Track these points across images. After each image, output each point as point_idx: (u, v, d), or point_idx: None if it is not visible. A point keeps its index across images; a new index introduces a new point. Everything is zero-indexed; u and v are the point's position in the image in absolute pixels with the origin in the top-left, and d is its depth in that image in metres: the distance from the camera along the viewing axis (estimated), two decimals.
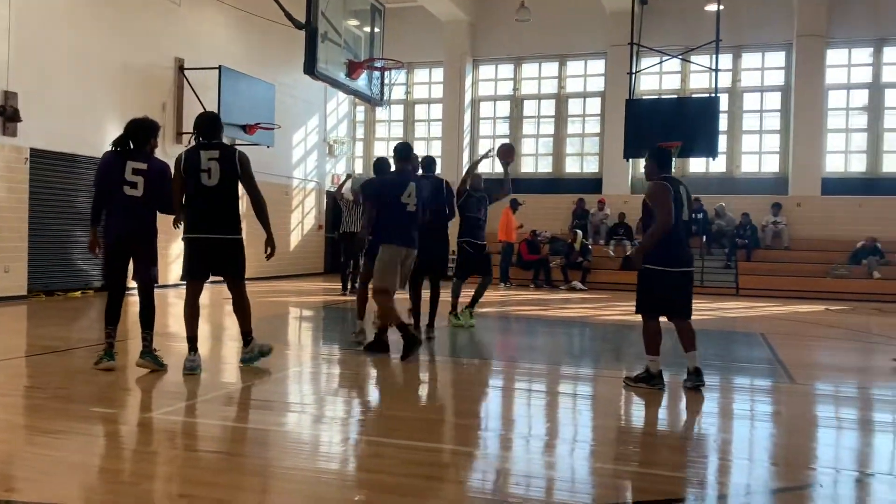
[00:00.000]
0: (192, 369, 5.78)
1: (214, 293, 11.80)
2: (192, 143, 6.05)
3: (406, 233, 6.78)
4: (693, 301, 5.78)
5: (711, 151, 14.10)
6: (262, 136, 14.61)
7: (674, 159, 14.65)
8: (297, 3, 10.88)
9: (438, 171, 9.77)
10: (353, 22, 12.76)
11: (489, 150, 9.37)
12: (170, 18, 13.92)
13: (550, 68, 19.86)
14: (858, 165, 17.69)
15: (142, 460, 3.94)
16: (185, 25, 14.29)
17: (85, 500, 3.35)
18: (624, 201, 18.58)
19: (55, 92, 11.60)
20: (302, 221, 18.65)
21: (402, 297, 7.64)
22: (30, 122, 10.98)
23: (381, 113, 20.78)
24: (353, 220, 12.78)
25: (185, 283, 6.03)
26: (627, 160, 16.98)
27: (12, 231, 10.94)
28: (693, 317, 5.76)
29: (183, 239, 5.92)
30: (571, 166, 19.89)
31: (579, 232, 17.44)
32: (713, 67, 14.24)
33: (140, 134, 5.89)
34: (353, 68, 12.20)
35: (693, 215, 7.09)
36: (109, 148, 5.90)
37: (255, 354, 6.11)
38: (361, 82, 12.69)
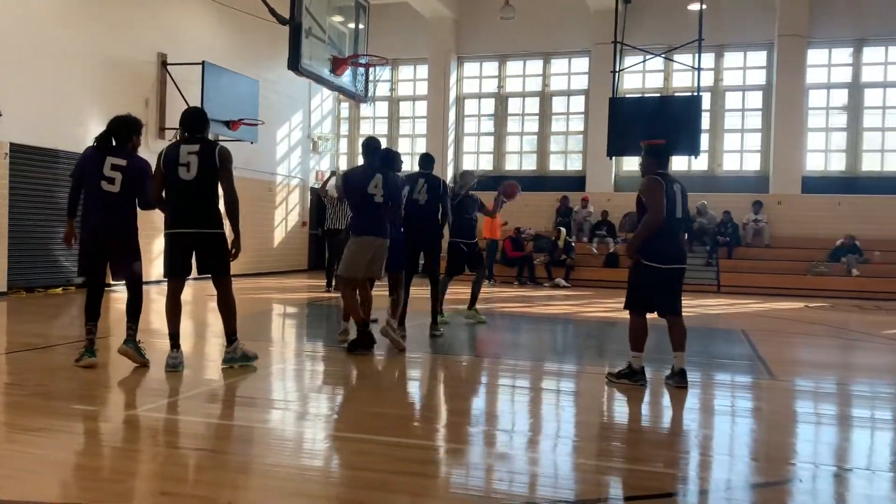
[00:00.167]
0: (174, 366, 5.75)
1: (198, 290, 11.75)
2: (177, 137, 6.02)
3: (373, 223, 6.80)
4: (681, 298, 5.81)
5: (694, 150, 14.17)
6: (245, 132, 14.54)
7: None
8: None
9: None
10: (338, 18, 12.71)
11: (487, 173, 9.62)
12: (152, 13, 13.81)
13: (535, 66, 19.91)
14: (838, 164, 17.89)
15: (124, 458, 3.92)
16: (167, 20, 14.19)
17: (66, 497, 3.33)
18: (607, 199, 18.68)
19: (35, 86, 11.48)
20: (286, 218, 18.58)
21: (379, 294, 7.65)
22: (9, 116, 10.87)
23: (365, 109, 20.74)
24: (337, 216, 12.76)
25: (166, 279, 5.99)
26: (611, 158, 17.05)
27: None
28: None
29: (164, 235, 5.89)
30: (555, 164, 19.96)
31: (563, 229, 17.51)
32: (696, 66, 14.32)
33: (123, 131, 5.89)
34: (337, 64, 12.16)
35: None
36: (92, 143, 5.90)
37: (237, 356, 5.95)
38: (346, 78, 12.65)
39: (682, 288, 5.82)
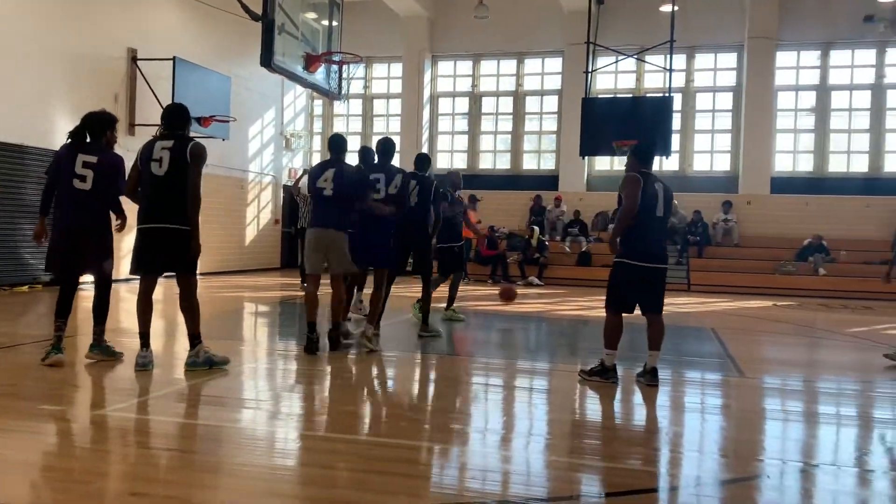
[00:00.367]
0: (143, 365, 5.68)
1: (169, 288, 11.62)
2: (157, 133, 5.97)
3: (320, 215, 6.82)
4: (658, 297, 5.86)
5: (665, 150, 14.33)
6: (217, 128, 14.40)
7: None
8: None
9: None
10: (311, 15, 12.65)
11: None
12: (122, 7, 13.61)
13: (508, 66, 19.97)
14: (806, 165, 18.19)
15: (93, 458, 3.86)
16: (137, 15, 14.00)
17: (34, 499, 3.28)
18: (580, 198, 18.81)
19: (2, 81, 11.26)
20: (258, 216, 18.43)
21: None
22: None
23: (339, 107, 20.64)
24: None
25: (138, 277, 5.91)
26: (583, 158, 17.17)
27: None
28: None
29: (136, 231, 5.82)
30: (529, 163, 20.04)
31: (536, 228, 17.60)
32: (667, 67, 14.48)
33: (96, 126, 5.86)
34: (310, 61, 12.10)
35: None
36: (66, 140, 5.84)
37: (201, 361, 5.77)
38: (319, 76, 12.60)
39: (665, 288, 5.87)
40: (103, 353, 5.92)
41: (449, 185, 9.29)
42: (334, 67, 13.00)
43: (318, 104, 21.14)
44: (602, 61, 17.44)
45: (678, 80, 17.90)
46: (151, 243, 5.65)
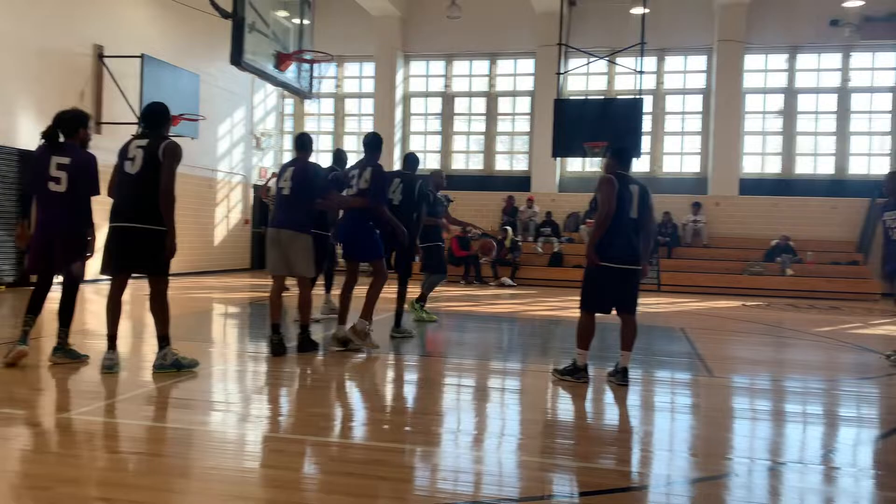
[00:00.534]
0: (109, 367, 5.58)
1: (136, 288, 11.45)
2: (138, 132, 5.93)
3: (277, 214, 6.79)
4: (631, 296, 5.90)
5: (635, 151, 14.44)
6: (185, 127, 14.22)
7: (600, 158, 15.02)
8: None
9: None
10: (282, 13, 12.53)
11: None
12: (88, 3, 13.39)
13: (481, 66, 20.01)
14: (773, 167, 18.48)
15: (57, 463, 3.77)
16: (104, 11, 13.77)
17: None
18: (552, 199, 18.91)
19: None
20: (227, 216, 18.24)
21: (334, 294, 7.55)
22: None
23: (310, 106, 20.53)
24: None
25: (107, 277, 5.83)
26: (556, 159, 17.25)
27: None
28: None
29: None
30: (501, 164, 20.10)
31: (509, 229, 17.65)
32: (638, 70, 14.60)
33: (67, 125, 5.82)
34: (281, 60, 11.99)
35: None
36: (40, 141, 5.83)
37: (168, 363, 5.68)
38: (290, 74, 12.49)
39: (639, 288, 5.91)
40: (67, 355, 5.83)
41: (432, 185, 9.25)
42: (305, 66, 12.89)
43: (289, 103, 20.99)
44: (574, 63, 17.55)
45: (649, 82, 18.09)
46: (121, 243, 5.56)
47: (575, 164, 19.37)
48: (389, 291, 7.76)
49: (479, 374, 6.54)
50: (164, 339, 5.70)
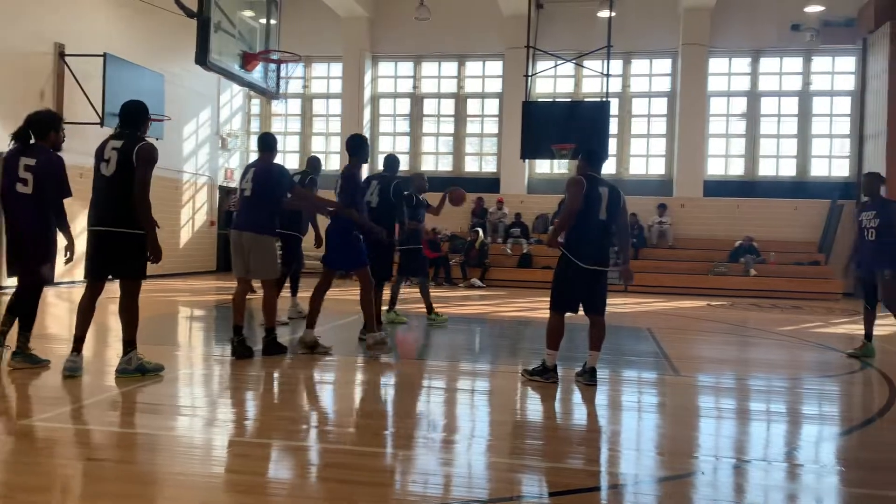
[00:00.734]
0: (72, 371, 5.48)
1: (104, 291, 11.24)
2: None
3: (239, 216, 6.79)
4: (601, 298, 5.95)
5: (604, 154, 14.56)
6: (150, 128, 13.96)
7: (568, 160, 15.14)
8: None
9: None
10: (248, 13, 12.42)
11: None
12: (49, 1, 13.12)
13: (450, 68, 20.03)
14: (737, 169, 18.77)
15: (18, 472, 3.68)
16: (65, 9, 13.50)
17: None
18: (520, 201, 18.99)
19: None
20: (193, 217, 18.01)
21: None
22: None
23: (277, 107, 20.33)
24: None
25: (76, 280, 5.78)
26: (524, 161, 17.32)
27: None
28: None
29: None
30: (471, 165, 20.14)
31: (480, 230, 17.68)
32: (604, 72, 14.72)
33: (38, 127, 5.78)
34: (247, 60, 11.88)
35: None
36: (9, 142, 5.81)
37: (132, 368, 5.57)
38: (257, 74, 12.38)
39: (607, 290, 5.96)
40: (27, 360, 5.71)
41: (413, 188, 9.21)
42: (272, 66, 12.79)
43: (256, 103, 20.80)
44: (542, 65, 17.62)
45: (615, 85, 18.24)
46: (97, 247, 5.50)
47: (543, 166, 19.48)
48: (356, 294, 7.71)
49: (449, 376, 6.54)
50: (129, 344, 5.60)
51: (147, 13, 14.31)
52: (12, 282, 5.99)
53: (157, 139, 14.42)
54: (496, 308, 12.45)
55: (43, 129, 5.80)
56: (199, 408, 5.14)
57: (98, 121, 13.07)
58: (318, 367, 6.53)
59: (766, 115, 18.64)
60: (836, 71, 18.33)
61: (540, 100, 18.15)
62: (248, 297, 6.99)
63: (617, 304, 13.29)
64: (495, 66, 19.66)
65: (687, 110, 18.32)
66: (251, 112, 20.97)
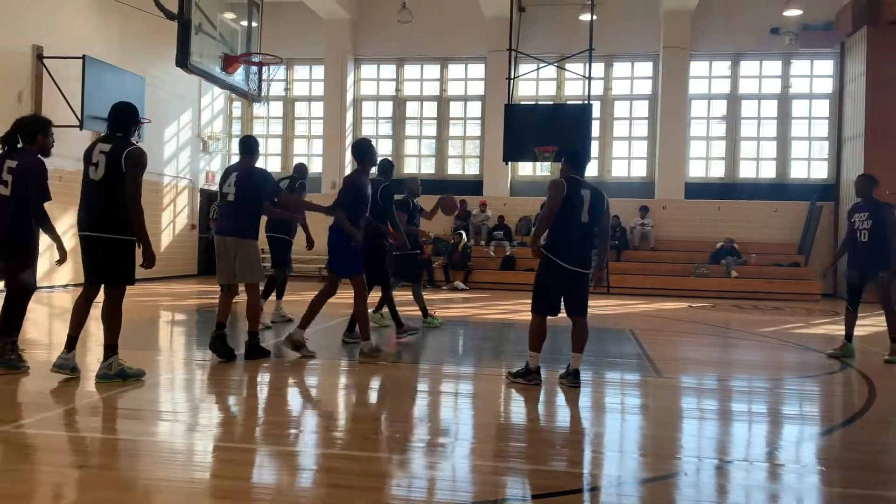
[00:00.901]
0: (61, 367, 5.48)
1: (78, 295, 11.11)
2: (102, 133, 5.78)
3: (222, 222, 6.73)
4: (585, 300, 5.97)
5: (586, 156, 14.63)
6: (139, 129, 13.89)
7: (551, 163, 15.19)
8: None
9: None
10: (230, 15, 12.37)
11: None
12: (26, 2, 12.99)
13: (432, 70, 20.03)
14: (718, 171, 18.92)
15: None
16: (43, 10, 13.38)
17: None
18: (503, 203, 19.03)
19: None
20: (174, 221, 17.88)
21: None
22: None
23: (258, 109, 20.22)
24: None
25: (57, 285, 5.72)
26: (507, 163, 17.36)
27: None
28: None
29: None
30: (453, 168, 20.16)
31: (463, 233, 17.69)
32: (586, 75, 14.79)
33: (25, 131, 5.76)
34: (229, 62, 11.83)
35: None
36: None
37: (113, 373, 5.50)
38: (238, 77, 12.33)
39: (588, 292, 5.98)
40: (5, 366, 5.63)
41: (407, 192, 9.18)
42: (254, 69, 12.75)
43: (237, 106, 20.70)
44: (524, 68, 17.68)
45: (597, 87, 18.34)
46: (85, 250, 5.49)
47: (526, 169, 19.53)
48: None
49: (433, 379, 6.54)
50: (110, 349, 5.55)
51: (127, 15, 14.20)
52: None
53: (136, 142, 14.32)
54: (479, 310, 12.46)
55: (30, 133, 5.77)
56: (181, 413, 5.09)
57: (77, 124, 12.95)
58: (300, 371, 6.50)
59: (746, 117, 18.81)
60: (815, 74, 18.54)
61: (522, 102, 18.23)
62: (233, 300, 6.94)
63: (600, 306, 13.35)
64: (478, 69, 19.69)
65: (668, 113, 18.45)
66: (233, 115, 20.86)
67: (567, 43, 16.89)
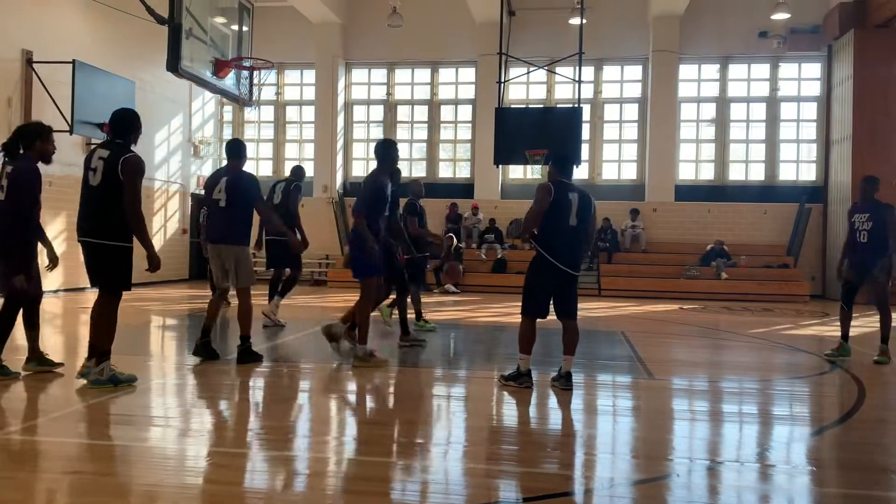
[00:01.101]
0: (84, 375, 5.56)
1: (69, 301, 11.08)
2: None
3: (214, 229, 6.73)
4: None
5: (576, 159, 14.70)
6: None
7: (542, 166, 15.22)
8: None
9: (310, 173, 9.82)
10: (220, 19, 12.36)
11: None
12: (15, 7, 12.94)
13: (423, 74, 20.06)
14: (707, 174, 19.01)
15: None
16: (33, 15, 13.33)
17: None
18: (494, 206, 19.05)
19: None
20: (165, 225, 17.83)
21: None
22: None
23: (250, 113, 20.24)
24: None
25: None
26: (497, 166, 17.40)
27: None
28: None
29: None
30: (444, 171, 20.17)
31: (454, 236, 17.67)
32: (576, 79, 14.86)
33: (24, 137, 5.79)
34: (219, 67, 11.83)
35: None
36: None
37: (104, 378, 5.48)
38: (229, 81, 12.33)
39: (577, 294, 6.00)
40: None
41: (411, 194, 9.19)
42: (245, 73, 12.75)
43: (228, 110, 20.66)
44: (514, 72, 17.75)
45: (587, 91, 18.40)
46: (85, 256, 5.53)
47: (517, 172, 19.56)
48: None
49: (425, 382, 6.54)
50: (103, 354, 5.53)
51: (117, 19, 14.17)
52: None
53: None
54: (471, 314, 12.48)
55: (29, 139, 5.79)
56: (172, 418, 5.08)
57: (67, 129, 12.91)
58: (293, 375, 6.50)
59: (735, 120, 18.91)
60: (803, 77, 18.67)
61: (513, 106, 18.29)
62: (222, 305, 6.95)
63: (591, 309, 13.38)
64: (468, 73, 19.73)
65: (658, 116, 18.52)
66: (224, 119, 20.82)
67: (557, 47, 16.94)
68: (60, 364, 6.06)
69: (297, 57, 19.74)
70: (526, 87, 19.41)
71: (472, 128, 19.64)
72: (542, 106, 18.58)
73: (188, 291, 15.39)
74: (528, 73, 16.79)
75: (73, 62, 13.05)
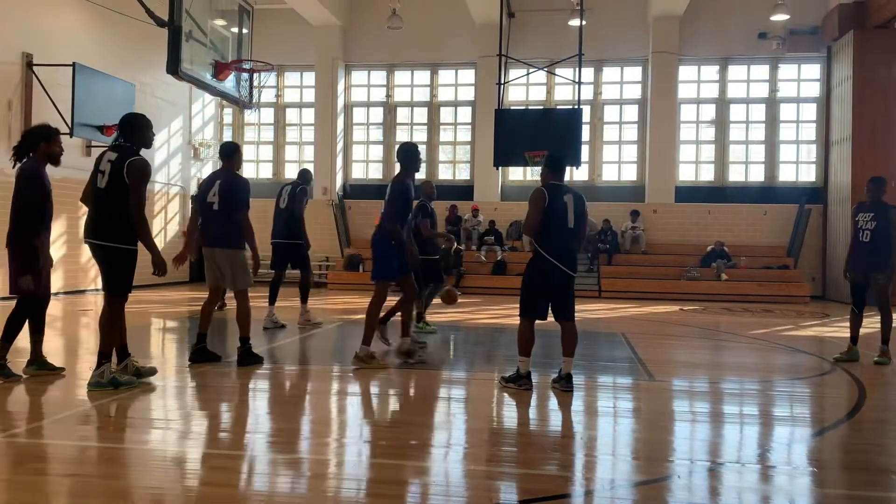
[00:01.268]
0: (128, 383, 5.63)
1: (71, 303, 11.07)
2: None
3: (208, 233, 6.74)
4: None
5: (575, 161, 14.69)
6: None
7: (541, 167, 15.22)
8: None
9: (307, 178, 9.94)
10: (220, 22, 12.36)
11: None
12: (16, 10, 12.95)
13: (422, 76, 20.07)
14: (707, 175, 19.01)
15: None
16: (33, 18, 13.34)
17: None
18: (494, 208, 19.05)
19: None
20: (165, 228, 17.84)
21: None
22: None
23: (250, 116, 20.25)
24: None
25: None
26: (497, 168, 17.41)
27: None
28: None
29: None
30: (444, 173, 20.17)
31: (453, 238, 17.67)
32: (576, 80, 14.86)
33: (29, 140, 5.87)
34: (219, 69, 11.83)
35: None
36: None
37: (105, 381, 5.48)
38: (229, 84, 12.33)
39: (575, 296, 6.00)
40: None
41: (423, 196, 9.20)
42: (244, 75, 12.75)
43: (228, 112, 20.67)
44: (514, 73, 17.77)
45: (587, 92, 18.41)
46: (94, 258, 5.59)
47: (517, 173, 19.57)
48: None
49: (425, 384, 6.54)
50: (104, 357, 5.54)
51: (117, 22, 14.18)
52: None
53: None
54: (471, 315, 12.47)
55: (33, 141, 5.85)
56: (173, 421, 5.08)
57: (67, 131, 12.90)
58: (292, 377, 6.50)
59: (734, 121, 18.92)
60: (802, 78, 18.68)
61: (512, 107, 18.29)
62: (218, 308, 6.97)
63: (591, 310, 13.38)
64: (468, 75, 19.74)
65: (658, 117, 18.53)
66: (224, 121, 20.83)
67: (557, 48, 16.95)
68: (62, 369, 6.06)
69: (297, 59, 19.75)
70: (526, 89, 19.41)
71: (471, 129, 19.65)
72: (541, 107, 18.58)
73: (188, 294, 15.38)
74: (528, 74, 16.80)
75: (73, 65, 13.05)
